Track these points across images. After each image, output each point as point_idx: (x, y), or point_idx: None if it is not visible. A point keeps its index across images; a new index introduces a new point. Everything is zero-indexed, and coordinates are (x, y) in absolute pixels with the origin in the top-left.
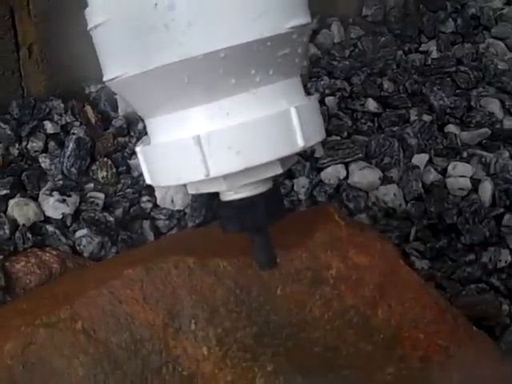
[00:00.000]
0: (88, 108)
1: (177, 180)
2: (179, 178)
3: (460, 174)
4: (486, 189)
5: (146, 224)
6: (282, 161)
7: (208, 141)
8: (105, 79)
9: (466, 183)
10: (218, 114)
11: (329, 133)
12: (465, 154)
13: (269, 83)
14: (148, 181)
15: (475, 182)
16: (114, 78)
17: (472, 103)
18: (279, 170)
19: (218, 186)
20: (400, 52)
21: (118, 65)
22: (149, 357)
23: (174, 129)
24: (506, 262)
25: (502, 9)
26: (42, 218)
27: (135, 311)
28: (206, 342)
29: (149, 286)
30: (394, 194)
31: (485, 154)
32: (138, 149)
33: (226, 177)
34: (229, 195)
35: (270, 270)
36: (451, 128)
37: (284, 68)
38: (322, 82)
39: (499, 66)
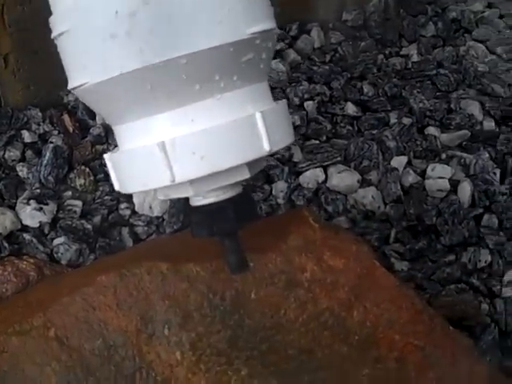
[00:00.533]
0: (66, 117)
1: (143, 186)
2: (146, 184)
3: (439, 175)
4: (465, 190)
5: (125, 231)
6: (250, 165)
7: (173, 147)
8: (69, 87)
9: (445, 184)
10: (182, 120)
11: (308, 137)
12: (444, 156)
13: (234, 89)
14: (117, 188)
15: (454, 183)
16: (78, 86)
17: (452, 105)
18: (247, 175)
19: (186, 192)
20: (381, 56)
21: (82, 73)
22: (122, 363)
23: (139, 135)
24: (485, 261)
25: (483, 12)
26: (20, 227)
27: (108, 317)
28: (180, 347)
29: (122, 291)
30: (373, 197)
31: (464, 155)
32: (106, 156)
33: (192, 182)
34: (198, 200)
35: (241, 273)
36: (431, 130)
37: (249, 73)
38: (301, 87)
39: (479, 69)
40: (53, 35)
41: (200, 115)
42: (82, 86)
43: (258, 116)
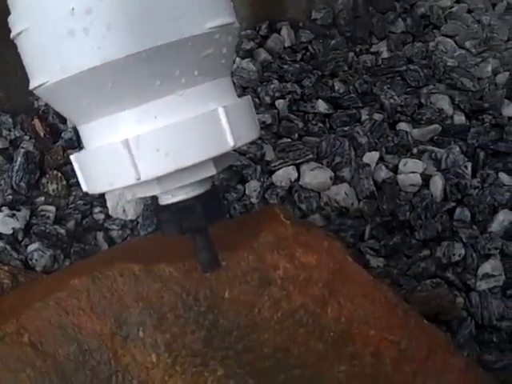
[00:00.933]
0: (36, 121)
1: (110, 185)
2: (112, 184)
3: (411, 170)
4: (437, 184)
5: (100, 235)
6: (216, 161)
7: (137, 144)
8: (31, 87)
9: (417, 179)
10: (145, 117)
11: (279, 135)
12: (415, 151)
13: (195, 84)
14: (84, 188)
15: (426, 178)
16: (38, 86)
17: (422, 100)
18: (213, 171)
19: (152, 190)
20: (351, 54)
21: (42, 72)
22: (98, 367)
23: (103, 134)
24: (459, 255)
25: (452, 7)
26: None
27: (82, 321)
28: (155, 349)
29: (95, 295)
30: (346, 193)
31: (436, 149)
32: (72, 157)
33: (158, 180)
34: (166, 199)
35: (213, 271)
36: (402, 126)
37: (210, 69)
38: (272, 86)
39: (448, 63)
40: (12, 35)
41: (163, 112)
42: (42, 85)
43: (221, 111)
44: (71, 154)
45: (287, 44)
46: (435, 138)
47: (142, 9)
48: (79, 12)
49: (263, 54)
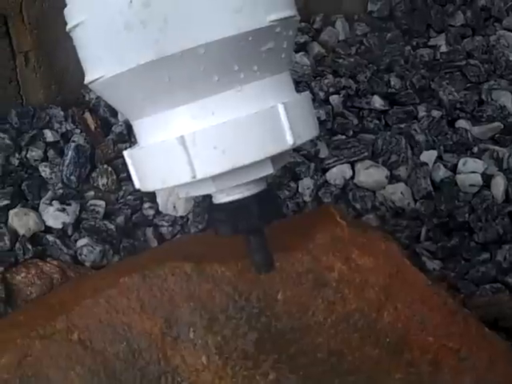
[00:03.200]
0: (87, 115)
1: (163, 183)
2: (165, 181)
3: (471, 169)
4: (499, 184)
5: (149, 231)
6: (273, 160)
7: (193, 141)
8: (86, 81)
9: (478, 179)
10: (202, 113)
11: (334, 132)
12: (476, 150)
13: (254, 80)
14: (136, 185)
15: (487, 178)
16: (94, 80)
17: (483, 97)
18: (270, 170)
19: (208, 189)
20: (408, 47)
21: (97, 66)
22: (147, 367)
23: (158, 130)
24: None
25: None
26: (43, 228)
27: (132, 320)
28: (206, 351)
29: (146, 293)
30: (402, 193)
31: (497, 148)
32: (125, 152)
33: (214, 178)
34: (221, 198)
35: (268, 273)
36: (462, 123)
37: (270, 63)
38: (327, 81)
39: (511, 58)
40: (68, 27)
41: (220, 108)
42: (98, 79)
43: (281, 108)
44: (121, 148)
45: (342, 37)
46: (496, 136)
47: (200, 2)
48: (137, 5)
49: (317, 48)
